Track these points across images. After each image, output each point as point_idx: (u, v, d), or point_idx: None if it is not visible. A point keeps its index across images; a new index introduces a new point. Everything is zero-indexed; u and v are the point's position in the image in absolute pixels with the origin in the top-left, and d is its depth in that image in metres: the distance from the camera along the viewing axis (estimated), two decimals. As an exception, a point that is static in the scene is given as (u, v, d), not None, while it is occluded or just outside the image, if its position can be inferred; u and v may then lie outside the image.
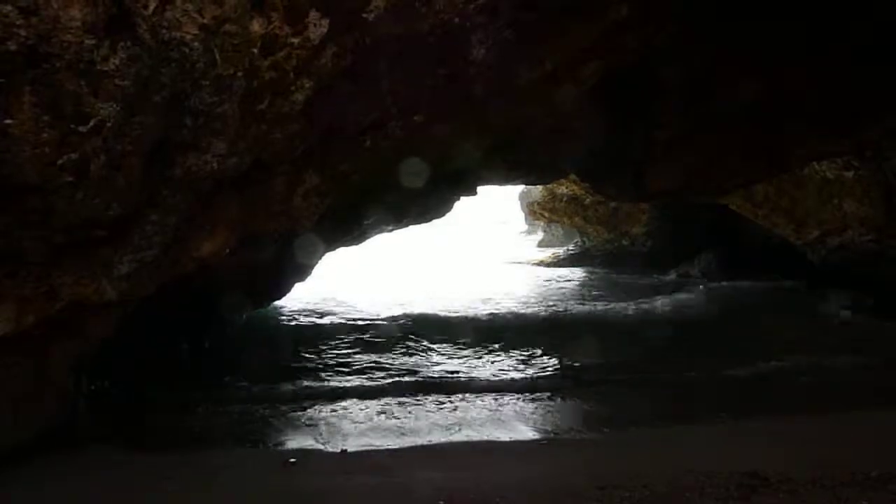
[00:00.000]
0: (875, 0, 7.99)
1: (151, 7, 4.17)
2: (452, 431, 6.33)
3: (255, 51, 4.66)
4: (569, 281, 18.07)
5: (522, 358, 9.07)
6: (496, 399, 7.32)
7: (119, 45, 4.15)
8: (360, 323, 11.17)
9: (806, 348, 9.26)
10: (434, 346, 9.62)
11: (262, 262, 7.92)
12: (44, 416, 5.48)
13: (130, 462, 5.44)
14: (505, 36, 6.02)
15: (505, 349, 9.49)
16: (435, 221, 11.78)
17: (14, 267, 4.56)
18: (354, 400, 7.36)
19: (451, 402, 7.24)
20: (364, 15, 5.06)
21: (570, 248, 22.88)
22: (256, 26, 4.59)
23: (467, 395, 7.50)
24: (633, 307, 13.26)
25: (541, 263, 22.53)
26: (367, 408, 7.08)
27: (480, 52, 6.01)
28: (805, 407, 6.76)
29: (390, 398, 7.40)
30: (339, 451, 5.80)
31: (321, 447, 5.90)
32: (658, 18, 7.49)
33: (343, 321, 11.55)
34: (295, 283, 11.57)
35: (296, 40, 4.83)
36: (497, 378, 8.16)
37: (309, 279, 11.82)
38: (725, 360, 8.70)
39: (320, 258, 11.14)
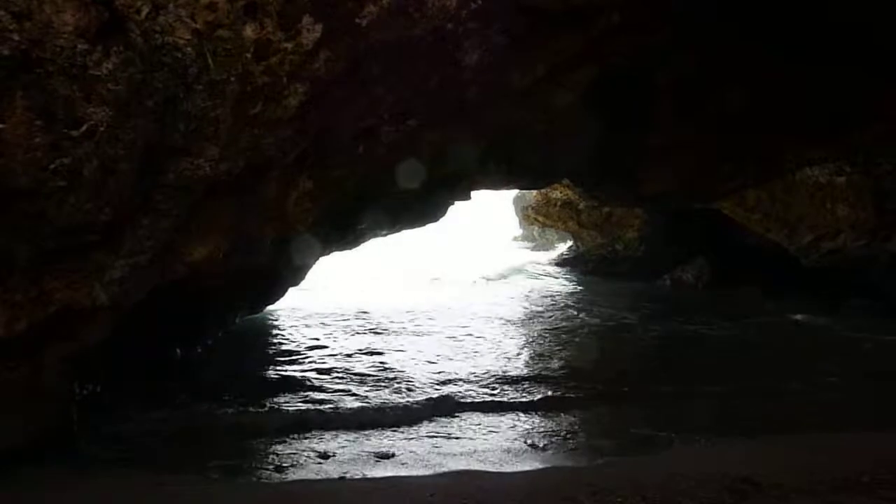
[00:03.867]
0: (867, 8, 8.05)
1: (144, 12, 4.18)
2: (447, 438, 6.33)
3: (248, 56, 4.67)
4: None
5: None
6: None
7: (112, 50, 4.16)
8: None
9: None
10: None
11: (255, 266, 7.90)
12: (37, 420, 5.45)
13: (124, 467, 5.42)
14: (498, 41, 6.05)
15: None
16: (429, 225, 11.80)
17: (5, 272, 4.55)
18: (347, 405, 7.35)
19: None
20: (357, 20, 5.08)
21: (564, 252, 22.90)
22: (249, 31, 4.59)
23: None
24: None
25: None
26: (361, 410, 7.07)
27: (473, 57, 6.04)
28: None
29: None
30: (325, 454, 5.79)
31: (314, 451, 5.89)
32: (651, 25, 7.54)
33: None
34: (289, 287, 11.56)
35: (289, 45, 4.84)
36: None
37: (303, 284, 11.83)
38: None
39: (315, 263, 11.14)
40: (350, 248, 11.45)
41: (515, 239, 33.81)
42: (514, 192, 24.75)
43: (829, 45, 8.52)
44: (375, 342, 10.45)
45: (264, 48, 4.73)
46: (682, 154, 10.80)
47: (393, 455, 5.79)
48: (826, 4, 8.05)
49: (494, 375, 8.47)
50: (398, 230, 11.55)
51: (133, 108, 4.34)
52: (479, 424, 6.71)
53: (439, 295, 15.32)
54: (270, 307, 12.45)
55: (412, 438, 6.32)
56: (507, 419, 6.85)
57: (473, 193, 11.69)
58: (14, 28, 3.83)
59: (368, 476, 5.32)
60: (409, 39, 5.48)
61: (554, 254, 23.80)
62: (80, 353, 5.59)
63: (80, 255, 4.79)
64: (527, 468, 5.54)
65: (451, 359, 9.41)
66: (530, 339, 10.98)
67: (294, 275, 10.86)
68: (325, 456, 5.80)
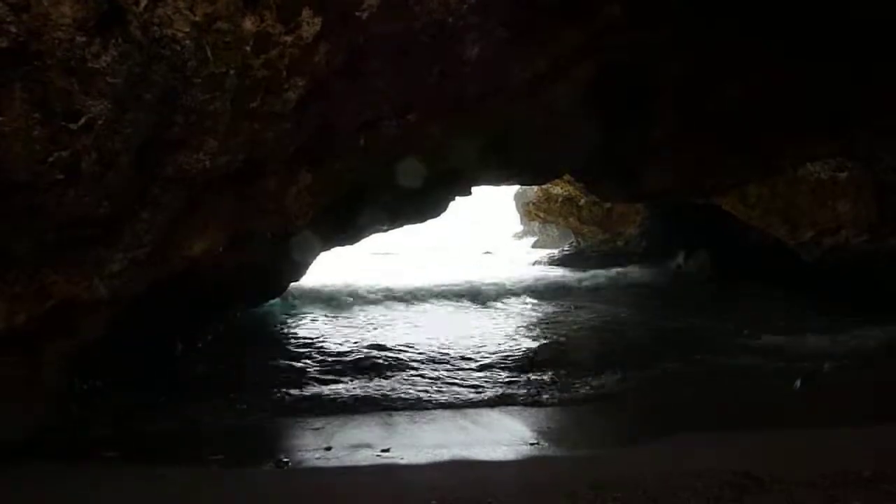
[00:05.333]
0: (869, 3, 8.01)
1: (143, 4, 4.15)
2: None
3: (248, 49, 4.64)
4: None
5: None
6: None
7: (110, 43, 4.13)
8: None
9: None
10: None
11: (256, 260, 7.90)
12: (35, 416, 5.45)
13: (124, 461, 5.41)
14: (498, 35, 6.02)
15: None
16: (429, 221, 11.80)
17: (4, 265, 4.53)
18: (348, 396, 7.36)
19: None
20: (357, 13, 5.06)
21: (566, 248, 22.89)
22: (249, 24, 4.57)
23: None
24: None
25: (536, 264, 22.57)
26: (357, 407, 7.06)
27: (474, 50, 6.01)
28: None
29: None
30: (325, 448, 5.79)
31: (314, 443, 5.88)
32: (651, 20, 7.50)
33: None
34: (290, 281, 11.57)
35: (288, 38, 4.82)
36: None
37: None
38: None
39: (315, 257, 11.13)
40: (350, 244, 11.45)
41: (516, 235, 33.81)
42: (516, 188, 24.76)
43: (829, 40, 8.48)
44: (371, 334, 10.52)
45: (264, 41, 4.70)
46: (682, 151, 10.77)
47: (392, 448, 5.78)
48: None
49: (490, 370, 8.49)
50: (398, 225, 11.55)
51: (131, 101, 4.32)
52: (478, 418, 6.71)
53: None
54: (270, 301, 12.47)
55: (413, 431, 6.33)
56: (505, 414, 6.85)
57: (474, 189, 11.68)
58: (12, 20, 3.80)
59: (369, 467, 5.32)
60: (409, 33, 5.46)
61: (555, 250, 23.77)
62: (80, 348, 5.59)
63: (80, 249, 4.78)
64: (527, 462, 5.53)
65: (447, 351, 9.46)
66: (526, 333, 10.99)
67: (294, 269, 10.86)
68: (325, 448, 5.79)
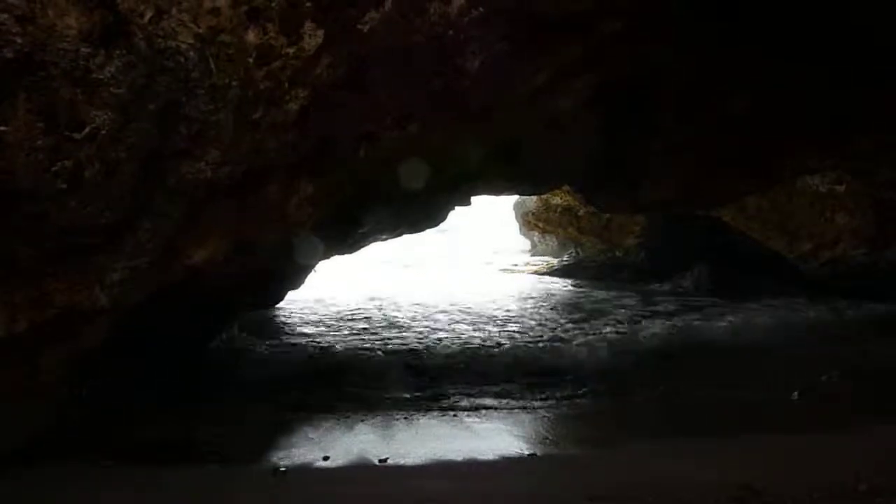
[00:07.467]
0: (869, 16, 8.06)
1: (148, 16, 4.19)
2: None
3: (251, 61, 4.68)
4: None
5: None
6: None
7: (115, 54, 4.17)
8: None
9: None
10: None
11: (255, 269, 7.91)
12: (36, 420, 5.47)
13: (121, 471, 5.42)
14: (499, 48, 6.06)
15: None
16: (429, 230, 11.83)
17: (5, 273, 4.56)
18: (348, 403, 7.38)
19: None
20: (359, 26, 5.10)
21: (565, 259, 22.89)
22: (252, 36, 4.61)
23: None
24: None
25: (535, 273, 22.59)
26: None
27: (475, 63, 6.05)
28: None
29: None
30: (322, 458, 5.80)
31: (309, 456, 5.89)
32: (653, 32, 7.55)
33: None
34: (288, 290, 11.58)
35: (291, 50, 4.86)
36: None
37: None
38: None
39: (315, 266, 11.16)
40: (351, 252, 11.48)
41: (515, 243, 33.71)
42: (515, 197, 24.73)
43: (830, 43, 8.51)
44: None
45: (266, 53, 4.75)
46: (683, 160, 10.80)
47: (389, 458, 5.79)
48: (827, 5, 8.07)
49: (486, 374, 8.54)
50: (399, 234, 11.58)
51: (135, 111, 4.36)
52: (477, 427, 6.72)
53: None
54: (269, 309, 12.49)
55: (408, 440, 6.34)
56: (500, 422, 6.86)
57: (474, 198, 11.73)
58: (17, 31, 3.84)
59: (366, 477, 5.33)
60: (410, 45, 5.50)
61: (554, 260, 23.75)
62: (80, 354, 5.60)
63: (81, 257, 4.80)
64: (522, 473, 5.53)
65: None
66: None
67: (294, 278, 10.87)
68: (323, 457, 5.80)
